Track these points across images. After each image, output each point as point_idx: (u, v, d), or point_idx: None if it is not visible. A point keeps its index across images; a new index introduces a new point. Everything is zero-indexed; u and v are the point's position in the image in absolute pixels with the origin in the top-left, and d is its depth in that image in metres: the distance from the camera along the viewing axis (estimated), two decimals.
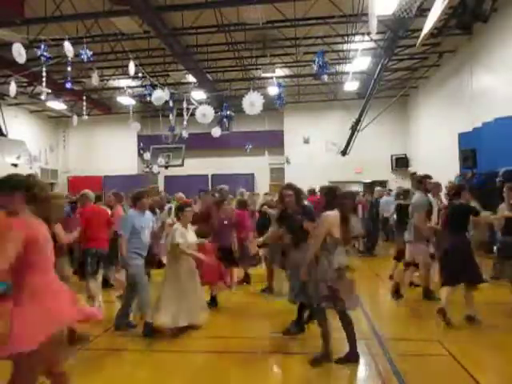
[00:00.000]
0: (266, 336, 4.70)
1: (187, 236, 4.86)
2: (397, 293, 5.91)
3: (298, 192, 4.66)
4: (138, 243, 4.84)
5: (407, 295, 6.04)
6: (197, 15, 10.85)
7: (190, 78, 14.79)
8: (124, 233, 4.77)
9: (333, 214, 3.85)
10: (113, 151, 20.47)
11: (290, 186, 4.73)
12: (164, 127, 16.01)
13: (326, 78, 10.76)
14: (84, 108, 13.63)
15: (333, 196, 4.00)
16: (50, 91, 12.57)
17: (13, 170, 15.43)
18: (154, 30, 10.86)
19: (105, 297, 6.17)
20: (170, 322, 4.57)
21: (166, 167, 18.01)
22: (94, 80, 10.40)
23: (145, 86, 12.09)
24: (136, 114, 18.35)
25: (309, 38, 11.83)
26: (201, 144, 18.61)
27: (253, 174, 19.89)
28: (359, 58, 12.54)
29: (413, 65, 15.05)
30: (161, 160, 17.70)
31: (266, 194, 10.14)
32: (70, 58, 8.16)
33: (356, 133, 15.68)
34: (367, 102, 14.44)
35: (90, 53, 8.82)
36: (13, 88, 9.44)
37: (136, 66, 9.86)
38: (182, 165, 17.93)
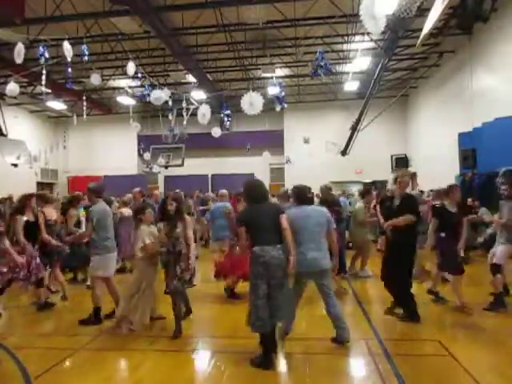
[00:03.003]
0: None
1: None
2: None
3: None
4: None
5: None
6: (197, 15, 10.86)
7: (190, 78, 14.80)
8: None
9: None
10: (113, 151, 20.49)
11: None
12: (164, 127, 16.02)
13: (323, 76, 10.72)
14: (84, 108, 13.64)
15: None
16: (49, 91, 12.56)
17: (13, 170, 15.45)
18: (153, 29, 10.86)
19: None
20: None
21: (166, 167, 18.03)
22: (96, 80, 10.39)
23: (144, 86, 12.10)
24: (136, 114, 18.35)
25: (309, 38, 11.84)
26: (201, 144, 18.61)
27: (253, 174, 19.88)
28: (359, 58, 12.56)
29: (413, 65, 15.07)
30: (161, 160, 17.72)
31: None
32: (69, 59, 8.14)
33: (356, 133, 15.68)
34: (367, 102, 14.45)
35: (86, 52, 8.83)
36: (14, 88, 9.42)
37: (136, 65, 9.86)
38: (181, 165, 17.94)
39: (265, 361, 3.82)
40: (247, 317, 3.91)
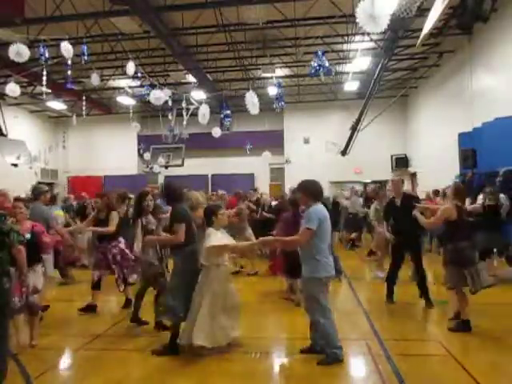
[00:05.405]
0: (267, 336, 4.70)
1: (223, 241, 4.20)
2: None
3: None
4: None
5: (407, 295, 6.04)
6: (197, 15, 10.86)
7: (190, 78, 14.79)
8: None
9: None
10: (113, 151, 20.47)
11: None
12: (164, 127, 16.02)
13: (322, 77, 10.71)
14: (84, 108, 13.63)
15: None
16: (50, 91, 12.54)
17: (13, 170, 15.45)
18: (153, 30, 10.85)
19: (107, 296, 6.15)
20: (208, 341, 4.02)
21: (166, 167, 18.05)
22: (95, 80, 10.40)
23: (144, 86, 12.11)
24: (136, 114, 18.34)
25: (309, 38, 11.83)
26: (201, 144, 18.60)
27: (253, 174, 19.89)
28: (359, 58, 12.56)
29: (413, 65, 15.07)
30: (161, 160, 17.74)
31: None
32: (69, 61, 8.15)
33: (356, 133, 15.68)
34: (367, 102, 14.44)
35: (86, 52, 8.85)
36: (14, 88, 9.41)
37: (136, 65, 9.86)
38: (181, 165, 17.96)
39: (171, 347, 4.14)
40: (162, 308, 4.23)
